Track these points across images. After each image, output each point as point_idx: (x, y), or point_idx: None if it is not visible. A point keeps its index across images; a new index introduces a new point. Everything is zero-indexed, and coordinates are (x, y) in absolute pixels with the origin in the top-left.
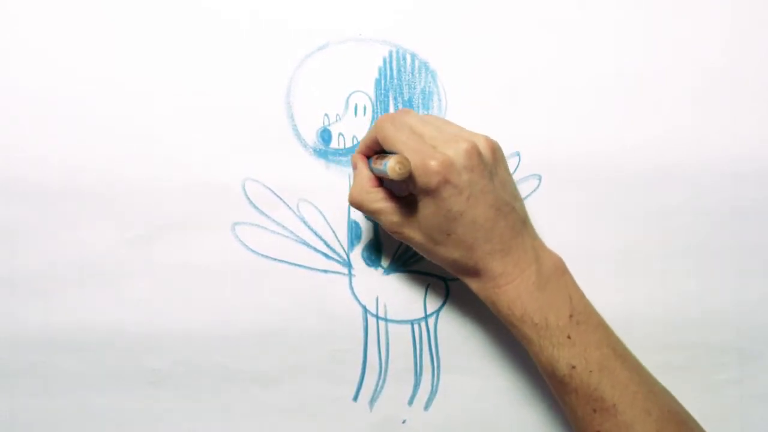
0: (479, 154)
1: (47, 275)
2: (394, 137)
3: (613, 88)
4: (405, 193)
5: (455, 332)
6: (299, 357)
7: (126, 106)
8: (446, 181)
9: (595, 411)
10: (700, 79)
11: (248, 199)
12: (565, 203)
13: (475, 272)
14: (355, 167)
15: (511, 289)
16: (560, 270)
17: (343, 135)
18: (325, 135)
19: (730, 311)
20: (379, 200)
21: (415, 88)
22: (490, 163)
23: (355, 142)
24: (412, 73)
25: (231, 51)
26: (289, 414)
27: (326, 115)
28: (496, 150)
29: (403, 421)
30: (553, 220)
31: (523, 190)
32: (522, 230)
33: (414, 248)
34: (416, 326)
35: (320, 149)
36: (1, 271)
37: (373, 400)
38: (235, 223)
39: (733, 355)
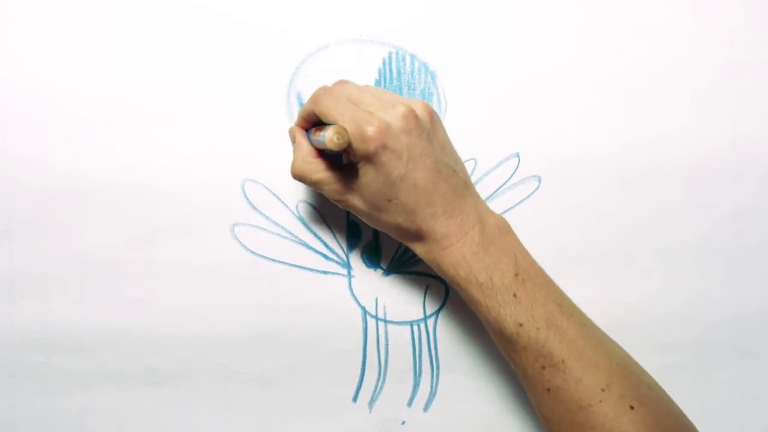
0: (416, 117)
1: (47, 275)
2: (331, 107)
3: (612, 89)
4: (346, 161)
5: (455, 333)
6: (299, 357)
7: (127, 106)
8: (384, 146)
9: (544, 368)
10: (700, 79)
11: (248, 199)
12: (564, 203)
13: (418, 236)
14: (293, 140)
15: (455, 250)
16: (504, 230)
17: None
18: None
19: (729, 311)
20: (320, 171)
21: (414, 89)
22: (427, 126)
23: None
24: (412, 74)
25: (231, 51)
26: (289, 414)
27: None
28: (432, 113)
29: (403, 422)
30: (552, 221)
31: (522, 190)
32: (464, 192)
33: (359, 216)
34: (416, 327)
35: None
36: (1, 271)
37: (372, 401)
38: (235, 224)
39: (732, 355)
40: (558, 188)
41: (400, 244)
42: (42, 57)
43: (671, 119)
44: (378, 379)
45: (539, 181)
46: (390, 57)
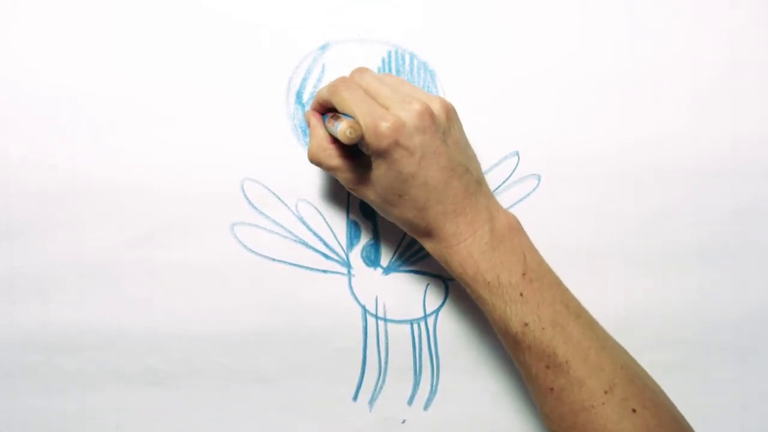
0: (432, 115)
1: (47, 275)
2: (347, 99)
3: (612, 88)
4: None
5: (455, 332)
6: (299, 357)
7: (126, 106)
8: (397, 144)
9: (548, 367)
10: (700, 79)
11: (247, 199)
12: (564, 203)
13: (428, 233)
14: (309, 124)
15: (463, 248)
16: (514, 229)
17: None
18: None
19: (730, 310)
20: (335, 157)
21: None
22: (443, 124)
23: None
24: (411, 73)
25: (231, 51)
26: (289, 414)
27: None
28: (450, 111)
29: (403, 421)
30: (552, 220)
31: (522, 190)
32: (476, 191)
33: (372, 206)
34: (416, 326)
35: None
36: (1, 271)
37: (372, 400)
38: (234, 224)
39: (732, 354)
40: (557, 187)
41: (400, 243)
42: (42, 57)
43: (671, 119)
44: (378, 378)
45: (539, 179)
46: (389, 56)
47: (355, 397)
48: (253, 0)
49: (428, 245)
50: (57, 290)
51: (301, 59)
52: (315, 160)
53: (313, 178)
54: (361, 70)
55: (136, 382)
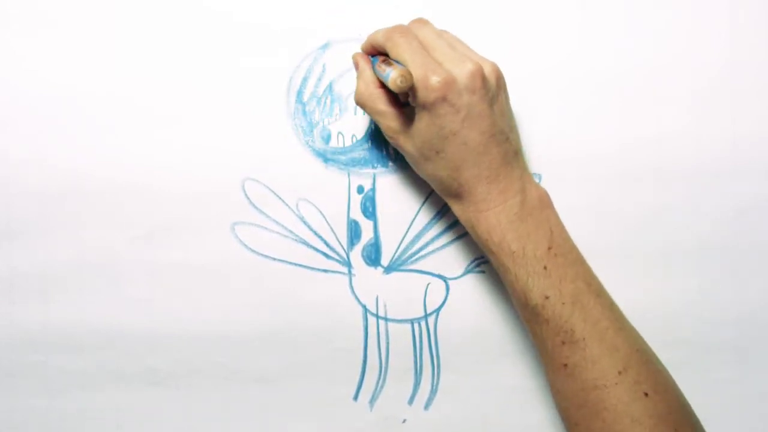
0: (483, 77)
1: (47, 275)
2: (402, 48)
3: (613, 88)
4: (404, 101)
5: (455, 331)
6: (299, 357)
7: (126, 106)
8: (444, 99)
9: (564, 343)
10: (700, 79)
11: (248, 198)
12: (564, 202)
13: (458, 194)
14: (357, 66)
15: (492, 215)
16: (545, 203)
17: (342, 134)
18: (325, 134)
19: (730, 310)
20: (382, 103)
21: None
22: (492, 88)
23: (354, 141)
24: None
25: (231, 50)
26: (289, 414)
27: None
28: (500, 78)
29: (403, 421)
30: None
31: None
32: (513, 160)
33: (405, 158)
34: (416, 325)
35: (319, 148)
36: (1, 271)
37: (373, 400)
38: (235, 223)
39: (732, 354)
40: (558, 187)
41: (401, 242)
42: (42, 57)
43: (671, 119)
44: (379, 378)
45: (539, 179)
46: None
47: (355, 397)
48: (253, 0)
49: (456, 207)
50: (57, 290)
51: (301, 59)
52: (360, 102)
53: (314, 178)
54: (421, 21)
55: (136, 382)
